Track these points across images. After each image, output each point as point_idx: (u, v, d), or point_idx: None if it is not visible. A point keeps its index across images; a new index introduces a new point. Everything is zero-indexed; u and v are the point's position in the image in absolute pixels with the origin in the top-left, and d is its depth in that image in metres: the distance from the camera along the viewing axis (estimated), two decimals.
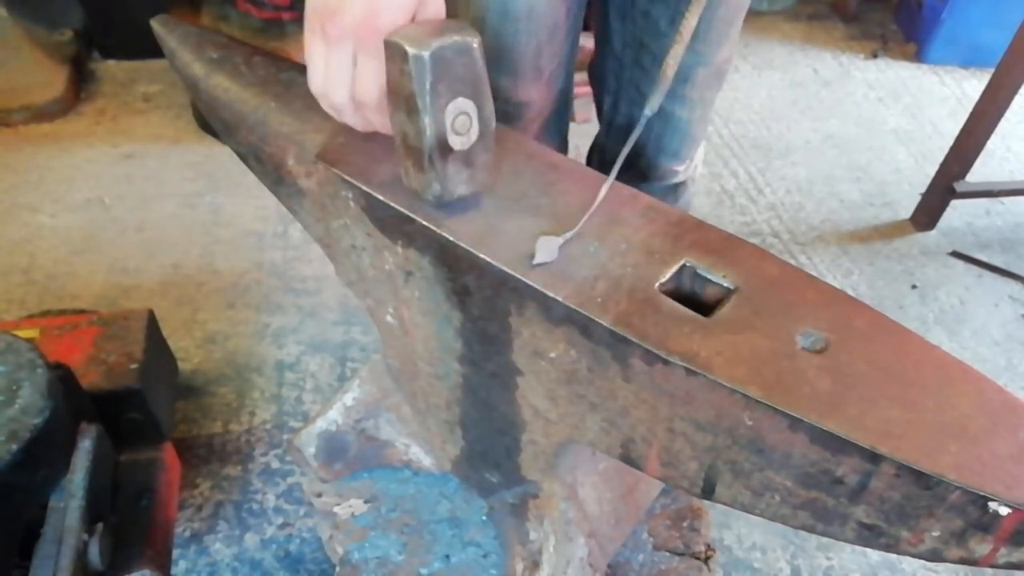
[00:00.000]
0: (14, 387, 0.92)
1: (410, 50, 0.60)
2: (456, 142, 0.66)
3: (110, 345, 1.23)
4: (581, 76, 1.24)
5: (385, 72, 0.65)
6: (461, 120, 0.65)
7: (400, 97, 0.64)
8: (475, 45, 0.63)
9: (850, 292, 0.72)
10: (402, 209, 0.71)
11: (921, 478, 0.51)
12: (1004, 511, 0.49)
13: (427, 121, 0.63)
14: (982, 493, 0.50)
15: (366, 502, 1.06)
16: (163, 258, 1.92)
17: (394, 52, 0.62)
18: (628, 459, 0.70)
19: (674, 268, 0.65)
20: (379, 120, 0.70)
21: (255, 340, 1.75)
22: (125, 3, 2.33)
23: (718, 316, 0.61)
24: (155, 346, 1.31)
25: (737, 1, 1.04)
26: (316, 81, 0.69)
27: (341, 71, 0.66)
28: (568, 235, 0.66)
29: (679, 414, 0.62)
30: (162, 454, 1.21)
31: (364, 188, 0.73)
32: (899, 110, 2.63)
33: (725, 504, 0.65)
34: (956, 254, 2.12)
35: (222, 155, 2.16)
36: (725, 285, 0.64)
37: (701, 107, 1.15)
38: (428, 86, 0.62)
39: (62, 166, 2.17)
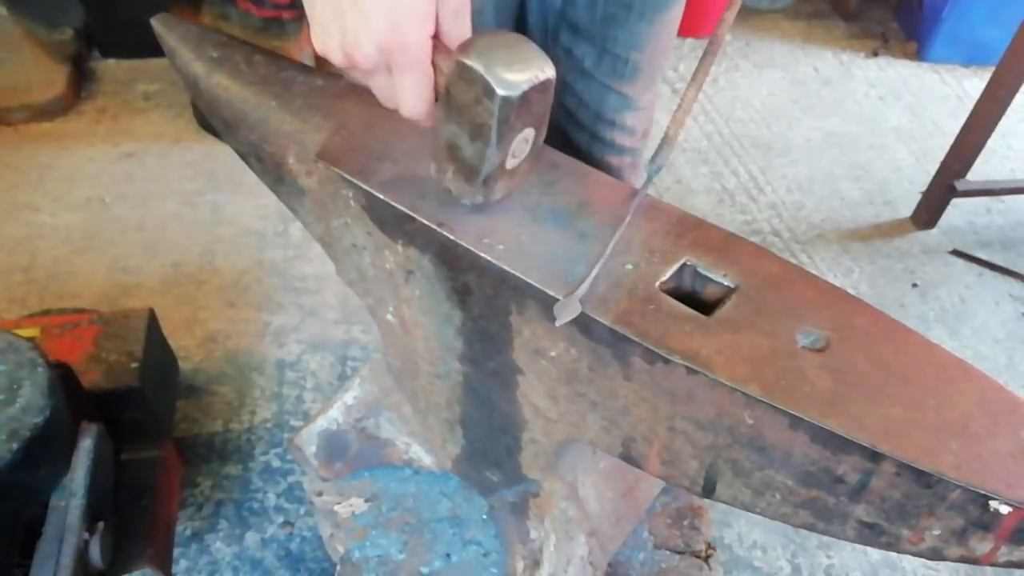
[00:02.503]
0: (15, 386, 0.92)
1: (499, 91, 0.56)
2: (511, 163, 0.64)
3: (111, 344, 1.23)
4: None
5: (433, 82, 0.61)
6: (520, 146, 0.63)
7: (465, 119, 0.59)
8: (554, 78, 0.59)
9: (851, 291, 0.71)
10: (403, 208, 0.71)
11: (922, 477, 0.51)
12: (1005, 509, 0.49)
13: (493, 153, 0.60)
14: (983, 492, 0.50)
15: (367, 501, 1.06)
16: (164, 257, 1.92)
17: (472, 79, 0.56)
18: (629, 458, 0.70)
19: (675, 267, 0.65)
20: (428, 121, 0.65)
21: (256, 339, 1.75)
22: (125, 2, 2.32)
23: (719, 315, 0.61)
24: (156, 345, 1.31)
25: (665, 48, 1.06)
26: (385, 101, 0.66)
27: (385, 91, 0.63)
28: (582, 290, 0.63)
29: (680, 413, 0.62)
30: (163, 453, 1.21)
31: (365, 187, 0.73)
32: (900, 108, 2.63)
33: (726, 503, 0.65)
34: (957, 252, 2.12)
35: (222, 154, 2.15)
36: (726, 284, 0.64)
37: (631, 155, 1.14)
38: (508, 125, 0.58)
39: (62, 165, 2.16)
